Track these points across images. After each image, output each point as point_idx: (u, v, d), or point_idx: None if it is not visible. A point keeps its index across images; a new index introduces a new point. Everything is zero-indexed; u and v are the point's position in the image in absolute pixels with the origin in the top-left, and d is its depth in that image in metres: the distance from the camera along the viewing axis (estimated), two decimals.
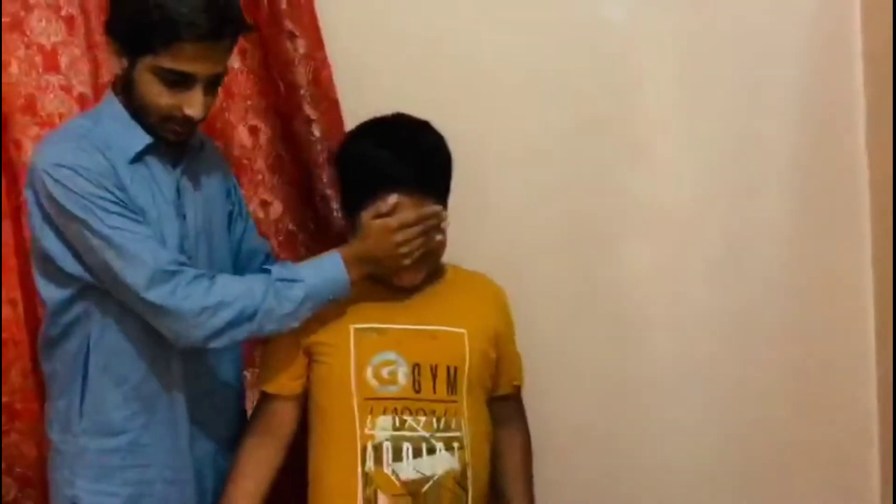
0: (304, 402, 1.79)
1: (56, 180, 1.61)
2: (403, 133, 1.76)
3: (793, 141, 2.08)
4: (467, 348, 1.75)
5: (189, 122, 1.67)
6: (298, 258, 1.96)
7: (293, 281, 1.67)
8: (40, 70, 1.97)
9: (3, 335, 2.02)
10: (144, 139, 1.68)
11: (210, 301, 1.62)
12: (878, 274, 2.08)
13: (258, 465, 1.77)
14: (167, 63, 1.61)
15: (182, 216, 1.73)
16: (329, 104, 2.02)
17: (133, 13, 1.61)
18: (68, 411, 1.74)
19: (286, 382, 1.77)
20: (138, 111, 1.68)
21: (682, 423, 2.10)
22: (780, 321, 2.10)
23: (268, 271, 1.69)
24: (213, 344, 1.65)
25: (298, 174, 2.06)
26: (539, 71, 2.07)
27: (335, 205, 1.98)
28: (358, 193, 1.73)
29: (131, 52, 1.64)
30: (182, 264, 1.65)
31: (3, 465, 2.02)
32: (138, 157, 1.68)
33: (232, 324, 1.63)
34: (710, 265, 2.12)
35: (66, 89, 1.99)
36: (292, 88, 1.97)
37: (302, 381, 1.77)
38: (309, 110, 1.98)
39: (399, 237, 1.68)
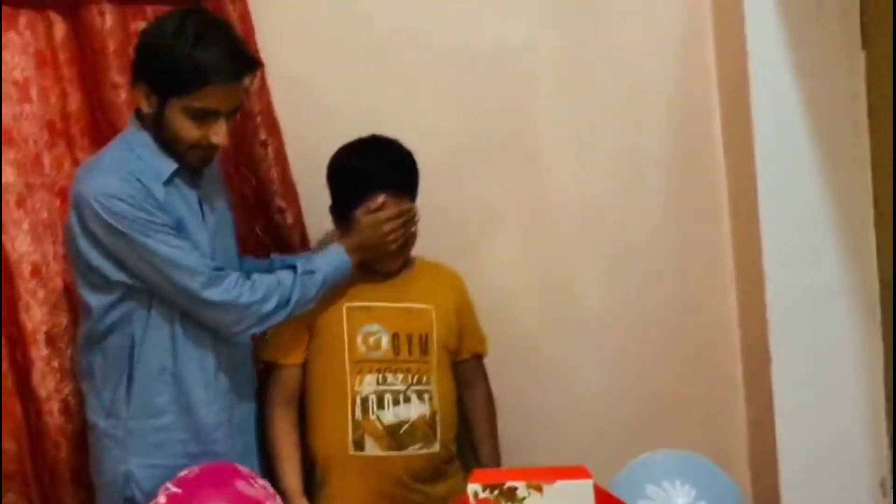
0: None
1: (106, 208, 1.82)
2: (384, 148, 2.13)
3: (665, 153, 2.42)
4: (434, 320, 2.13)
5: (214, 148, 1.91)
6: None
7: (313, 272, 1.97)
8: (15, 100, 2.12)
9: None
10: (173, 165, 1.90)
11: (256, 296, 1.91)
12: (738, 259, 2.37)
13: (290, 431, 2.11)
14: (197, 103, 1.84)
15: (206, 224, 1.97)
16: (276, 129, 2.24)
17: (165, 63, 1.83)
18: (114, 399, 1.94)
19: (297, 354, 2.11)
20: (168, 142, 1.90)
21: (583, 383, 2.42)
22: (660, 302, 2.42)
23: (292, 266, 1.98)
24: (255, 330, 1.96)
25: (248, 190, 2.28)
26: (454, 94, 2.38)
27: (289, 215, 2.24)
28: (351, 196, 2.09)
29: (162, 95, 1.85)
30: (220, 268, 1.90)
31: None
32: (169, 181, 1.90)
33: (273, 312, 1.93)
34: (600, 261, 2.43)
35: (38, 117, 2.14)
36: (248, 117, 2.19)
37: (306, 351, 2.10)
38: (264, 135, 2.21)
39: (387, 227, 2.05)
